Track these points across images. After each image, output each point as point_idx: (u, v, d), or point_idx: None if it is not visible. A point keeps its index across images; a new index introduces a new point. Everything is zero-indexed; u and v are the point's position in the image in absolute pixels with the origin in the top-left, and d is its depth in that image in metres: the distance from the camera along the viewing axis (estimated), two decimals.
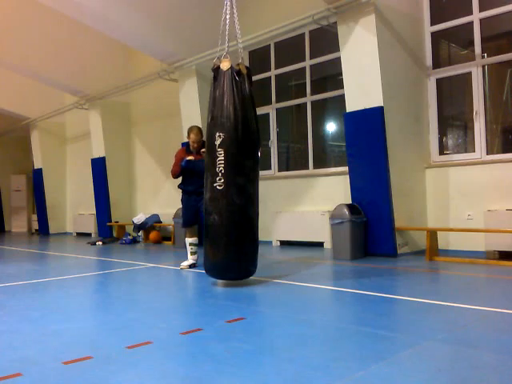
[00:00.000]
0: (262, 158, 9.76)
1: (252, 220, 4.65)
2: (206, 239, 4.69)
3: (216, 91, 4.63)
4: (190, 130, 6.04)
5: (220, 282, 4.90)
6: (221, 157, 4.50)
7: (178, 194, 10.40)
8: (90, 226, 13.15)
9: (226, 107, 4.54)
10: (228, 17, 4.78)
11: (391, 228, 6.49)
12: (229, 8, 4.79)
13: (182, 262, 6.13)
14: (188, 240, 6.10)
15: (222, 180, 4.49)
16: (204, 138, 5.52)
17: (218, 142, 4.52)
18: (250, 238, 4.63)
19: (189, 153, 6.03)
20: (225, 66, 4.60)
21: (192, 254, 6.11)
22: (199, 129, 6.02)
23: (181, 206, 9.08)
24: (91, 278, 5.94)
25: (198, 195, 5.94)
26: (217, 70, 4.67)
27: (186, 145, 6.15)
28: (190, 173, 5.99)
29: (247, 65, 4.81)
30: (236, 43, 4.87)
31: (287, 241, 8.57)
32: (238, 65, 4.66)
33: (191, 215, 6.10)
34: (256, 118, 4.78)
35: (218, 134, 4.54)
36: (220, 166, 4.50)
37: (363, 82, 6.66)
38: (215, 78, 4.69)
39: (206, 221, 4.67)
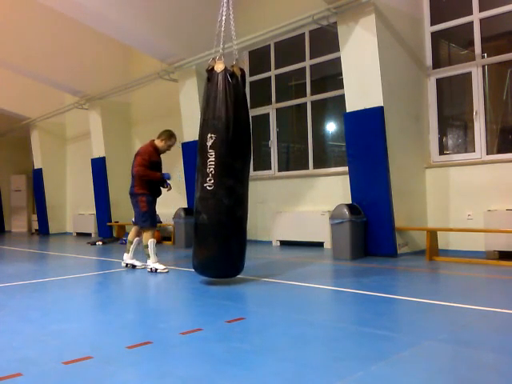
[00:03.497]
0: (262, 158, 9.82)
1: (240, 220, 4.73)
2: (194, 237, 4.79)
3: (209, 93, 4.69)
4: (171, 135, 6.14)
5: (221, 281, 4.90)
6: (211, 158, 4.59)
7: (178, 193, 10.47)
8: (90, 226, 13.14)
9: (218, 109, 4.60)
10: (224, 18, 4.80)
11: (391, 228, 6.49)
12: (225, 9, 4.80)
13: (157, 265, 5.87)
14: (154, 241, 5.96)
15: (212, 181, 4.58)
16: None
17: (209, 143, 4.61)
18: (237, 238, 4.71)
19: (158, 154, 6.11)
20: (219, 67, 4.64)
21: (156, 255, 5.97)
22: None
23: (181, 206, 9.15)
24: (91, 278, 5.94)
25: (158, 195, 6.17)
26: (211, 71, 4.71)
27: (153, 145, 6.08)
28: (159, 182, 6.08)
29: (242, 66, 4.86)
30: (232, 45, 4.87)
31: (287, 241, 8.57)
32: (232, 66, 4.69)
33: (155, 216, 6.21)
34: (248, 120, 4.85)
35: (209, 135, 4.62)
36: (211, 167, 4.58)
37: (363, 82, 6.66)
38: (209, 80, 4.74)
39: (195, 219, 4.76)
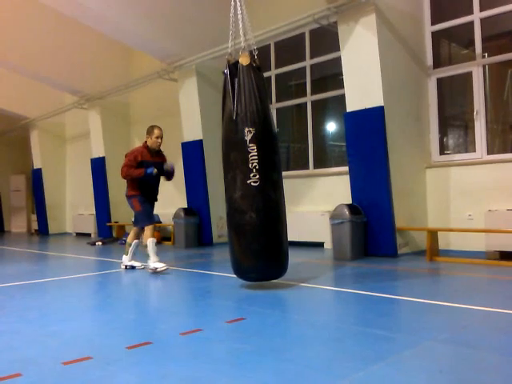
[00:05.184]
0: None
1: (285, 214, 4.63)
2: (239, 240, 4.47)
3: (238, 87, 4.53)
4: (152, 127, 6.12)
5: (220, 282, 4.89)
6: (253, 152, 4.40)
7: (178, 193, 10.46)
8: (90, 226, 13.12)
9: (253, 102, 4.49)
10: (239, 11, 4.76)
11: (391, 228, 6.48)
12: (238, 3, 4.77)
13: (156, 264, 5.81)
14: (154, 240, 5.92)
15: (258, 176, 4.37)
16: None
17: (248, 138, 4.42)
18: (285, 234, 4.58)
19: (152, 154, 6.06)
20: (245, 61, 4.56)
21: (156, 254, 5.92)
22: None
23: (180, 206, 9.12)
24: (91, 279, 5.93)
25: (153, 200, 6.17)
26: (234, 65, 4.62)
27: (144, 145, 6.10)
28: (150, 180, 6.01)
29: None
30: (247, 39, 4.84)
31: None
32: (255, 60, 4.65)
33: (152, 214, 6.15)
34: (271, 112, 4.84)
35: (247, 129, 4.44)
36: (254, 162, 4.38)
37: (363, 82, 6.65)
38: (233, 74, 4.59)
39: (235, 221, 4.47)
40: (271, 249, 4.45)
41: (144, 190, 6.01)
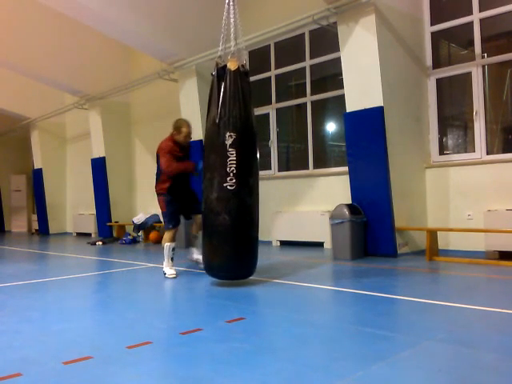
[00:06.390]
0: (262, 158, 9.81)
1: (257, 219, 4.76)
2: (209, 239, 4.65)
3: (223, 91, 4.59)
4: (182, 123, 5.61)
5: (221, 282, 4.90)
6: (232, 157, 4.50)
7: None
8: (90, 226, 13.14)
9: (237, 107, 4.55)
10: (232, 15, 4.79)
11: (391, 228, 6.49)
12: (232, 7, 4.80)
13: (167, 270, 5.56)
14: (171, 245, 5.60)
15: (234, 180, 4.49)
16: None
17: (228, 142, 4.52)
18: (256, 237, 4.74)
19: (181, 148, 5.63)
20: (232, 65, 4.61)
21: (172, 260, 5.63)
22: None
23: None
24: (91, 278, 5.94)
25: (184, 194, 5.73)
26: (223, 69, 4.66)
27: (172, 140, 5.63)
28: (184, 175, 5.65)
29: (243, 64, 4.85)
30: (237, 43, 4.87)
31: (287, 241, 8.57)
32: (243, 65, 4.70)
33: (178, 216, 5.77)
34: (254, 118, 4.86)
35: (228, 133, 4.52)
36: (232, 167, 4.49)
37: (363, 82, 6.66)
38: (220, 78, 4.65)
39: (210, 221, 4.63)
40: (241, 251, 4.61)
41: (174, 185, 5.62)
